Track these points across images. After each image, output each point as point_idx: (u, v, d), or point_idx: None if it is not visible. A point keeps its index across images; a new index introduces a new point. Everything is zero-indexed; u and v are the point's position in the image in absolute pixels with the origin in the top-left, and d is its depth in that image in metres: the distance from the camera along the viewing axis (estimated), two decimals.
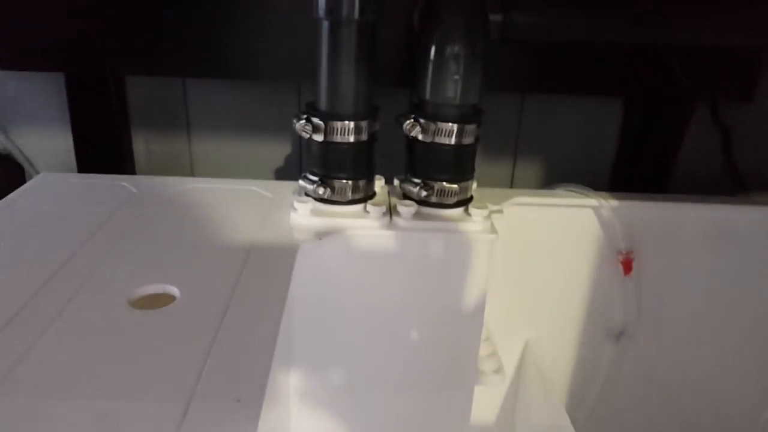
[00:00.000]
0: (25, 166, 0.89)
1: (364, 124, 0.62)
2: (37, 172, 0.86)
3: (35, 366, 0.40)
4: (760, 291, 0.81)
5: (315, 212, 0.63)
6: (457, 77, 0.60)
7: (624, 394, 0.86)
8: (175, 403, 0.37)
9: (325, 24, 0.58)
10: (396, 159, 0.68)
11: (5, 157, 0.87)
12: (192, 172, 0.92)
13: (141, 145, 0.90)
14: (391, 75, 0.76)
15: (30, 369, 0.40)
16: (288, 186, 0.70)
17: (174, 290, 0.49)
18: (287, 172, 0.92)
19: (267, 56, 0.79)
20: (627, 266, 0.76)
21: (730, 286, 0.81)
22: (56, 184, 0.71)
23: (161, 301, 0.48)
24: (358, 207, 0.64)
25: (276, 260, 0.56)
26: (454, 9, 0.60)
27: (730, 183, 0.91)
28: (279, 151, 0.91)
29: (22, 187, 0.70)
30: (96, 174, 0.75)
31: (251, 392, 0.38)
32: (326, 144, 0.62)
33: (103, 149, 0.86)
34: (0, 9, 0.75)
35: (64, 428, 0.35)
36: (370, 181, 0.66)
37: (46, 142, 0.89)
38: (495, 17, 0.65)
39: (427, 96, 0.62)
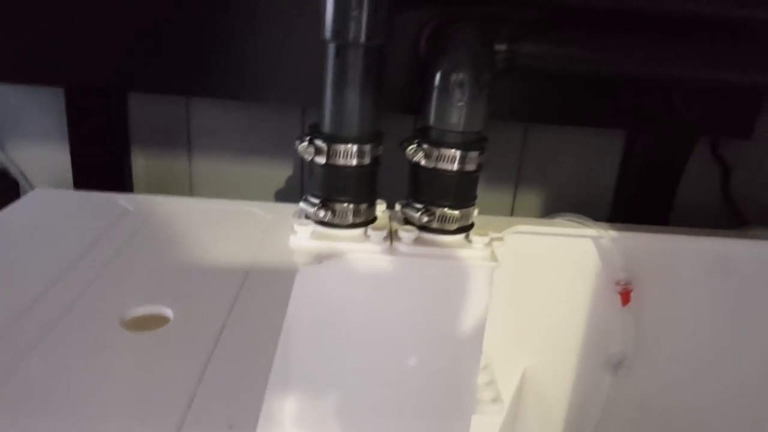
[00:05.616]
0: (21, 181, 0.88)
1: (367, 147, 0.61)
2: (33, 188, 0.85)
3: (22, 384, 0.39)
4: (757, 324, 0.81)
5: (315, 235, 0.63)
6: (461, 104, 0.60)
7: (621, 424, 0.85)
8: (166, 427, 0.36)
9: (332, 46, 0.58)
10: (397, 185, 0.68)
11: (1, 172, 0.86)
12: (191, 192, 0.91)
13: (140, 163, 0.89)
14: (397, 101, 0.76)
15: (17, 387, 0.39)
16: (288, 208, 0.69)
17: (168, 312, 0.48)
18: (288, 194, 0.91)
19: (272, 78, 0.78)
20: (625, 297, 0.75)
21: (728, 319, 0.81)
22: (51, 200, 0.70)
23: (154, 322, 0.47)
24: (359, 231, 0.64)
25: (274, 283, 0.55)
26: (460, 37, 0.60)
27: (728, 217, 0.91)
28: (280, 174, 0.90)
29: (16, 202, 0.68)
30: (92, 191, 0.74)
31: (244, 418, 0.37)
32: (328, 167, 0.62)
33: (101, 166, 0.86)
34: (1, 21, 0.75)
35: None
36: (372, 206, 0.65)
37: (44, 158, 0.88)
38: (500, 47, 0.65)
39: (431, 122, 0.62)
